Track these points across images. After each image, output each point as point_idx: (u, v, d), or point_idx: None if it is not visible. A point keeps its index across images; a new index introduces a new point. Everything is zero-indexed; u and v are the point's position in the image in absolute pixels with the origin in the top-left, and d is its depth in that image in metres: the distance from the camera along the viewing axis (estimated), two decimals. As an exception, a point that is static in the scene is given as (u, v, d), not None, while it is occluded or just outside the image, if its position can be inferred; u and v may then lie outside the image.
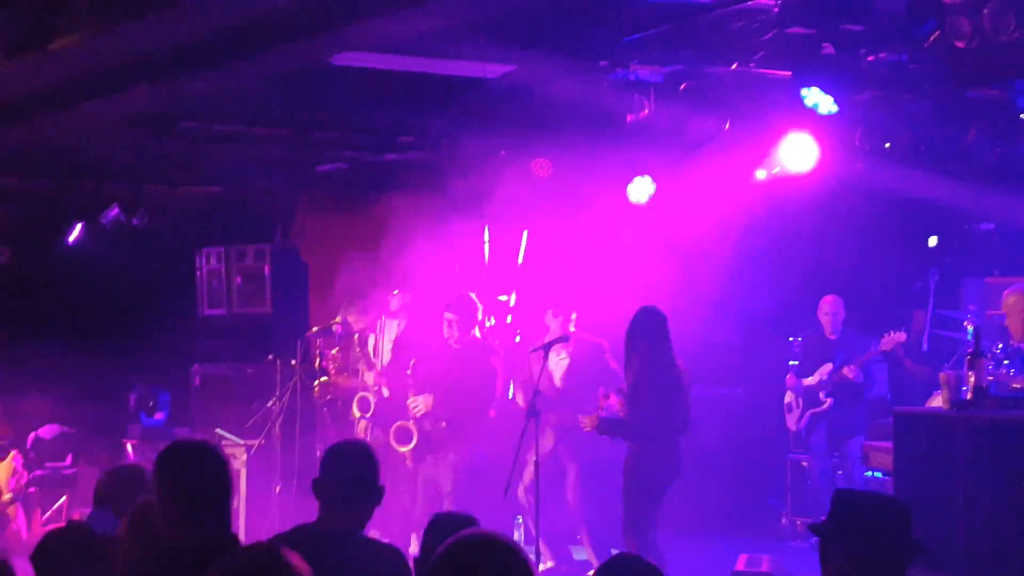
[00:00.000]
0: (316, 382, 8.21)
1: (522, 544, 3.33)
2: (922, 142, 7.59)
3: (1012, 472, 5.66)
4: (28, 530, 8.58)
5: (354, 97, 7.75)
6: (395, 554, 3.39)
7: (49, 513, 8.90)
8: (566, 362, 7.42)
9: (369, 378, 7.85)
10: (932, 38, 5.85)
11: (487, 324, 8.72)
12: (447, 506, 6.92)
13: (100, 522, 3.73)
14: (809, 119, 7.15)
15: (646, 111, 7.30)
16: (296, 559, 2.24)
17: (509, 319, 9.17)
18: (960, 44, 5.71)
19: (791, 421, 8.31)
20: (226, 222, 10.42)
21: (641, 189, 8.64)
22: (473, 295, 7.98)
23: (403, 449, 7.47)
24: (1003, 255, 8.59)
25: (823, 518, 2.91)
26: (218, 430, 8.25)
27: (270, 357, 8.51)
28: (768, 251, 8.62)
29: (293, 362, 8.24)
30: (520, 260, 9.64)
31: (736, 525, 8.44)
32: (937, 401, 6.63)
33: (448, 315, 7.39)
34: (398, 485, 7.12)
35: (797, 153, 7.69)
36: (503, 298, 9.33)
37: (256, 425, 8.24)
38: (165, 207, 10.31)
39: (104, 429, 9.39)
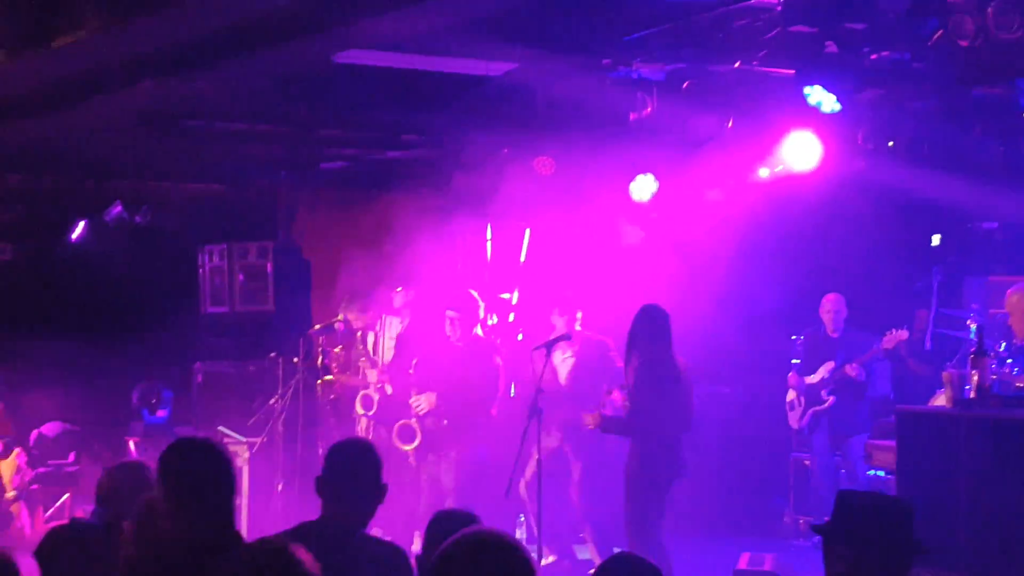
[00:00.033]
0: (320, 380, 8.22)
1: (524, 542, 3.33)
2: (925, 141, 7.58)
3: (1015, 471, 5.66)
4: (31, 527, 8.59)
5: (356, 95, 7.75)
6: (397, 552, 3.39)
7: (52, 510, 8.91)
8: (571, 361, 7.41)
9: (372, 376, 7.85)
10: (935, 37, 5.85)
11: (489, 322, 8.72)
12: (449, 504, 6.92)
13: (103, 519, 3.74)
14: (812, 118, 7.14)
15: (649, 109, 7.30)
16: (305, 555, 2.25)
17: (511, 317, 9.16)
18: (963, 43, 5.71)
19: (793, 419, 8.31)
20: (229, 219, 10.42)
21: (644, 187, 8.64)
22: (475, 293, 7.99)
23: (407, 448, 7.47)
24: (1006, 254, 8.58)
25: (826, 518, 2.91)
26: (220, 428, 8.25)
27: (272, 355, 8.51)
28: (771, 250, 8.61)
29: (295, 360, 8.25)
30: (522, 258, 9.64)
31: (738, 524, 8.43)
32: (940, 400, 6.63)
33: (450, 313, 7.39)
34: (401, 483, 7.12)
35: (800, 152, 7.69)
36: (505, 296, 9.33)
37: (258, 423, 8.25)
38: (168, 205, 10.31)
39: (107, 426, 9.40)
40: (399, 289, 8.00)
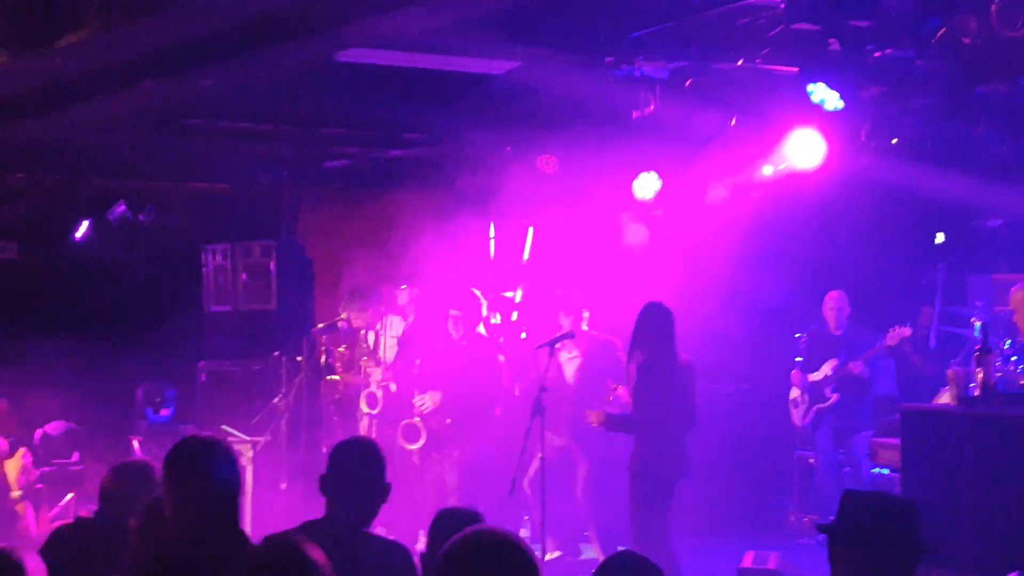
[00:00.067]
0: (324, 380, 8.22)
1: (528, 541, 3.32)
2: (929, 138, 7.57)
3: (1021, 468, 5.65)
4: (37, 526, 8.60)
5: (359, 93, 7.75)
6: (401, 551, 3.39)
7: (56, 510, 8.92)
8: (578, 360, 7.41)
9: (376, 374, 7.85)
10: (939, 34, 5.84)
11: (492, 321, 8.72)
12: (452, 502, 6.92)
13: (107, 519, 3.74)
14: (815, 115, 7.13)
15: (652, 107, 7.29)
16: (318, 554, 2.27)
17: (515, 316, 9.16)
18: (967, 40, 5.70)
19: (796, 417, 8.30)
20: (232, 218, 10.43)
21: (647, 185, 8.63)
22: (477, 291, 7.99)
23: (411, 447, 7.47)
24: (1010, 251, 8.57)
25: (831, 517, 2.90)
26: (224, 427, 8.25)
27: (276, 354, 8.51)
28: (774, 247, 8.60)
29: (299, 359, 8.25)
30: (526, 256, 9.63)
31: (743, 522, 8.42)
32: (945, 398, 6.63)
33: (453, 312, 7.39)
34: (405, 482, 7.12)
35: (803, 149, 7.68)
36: (509, 294, 9.33)
37: (262, 422, 8.25)
38: (171, 204, 10.32)
39: (110, 425, 9.40)
40: (403, 287, 8.00)
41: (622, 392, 6.21)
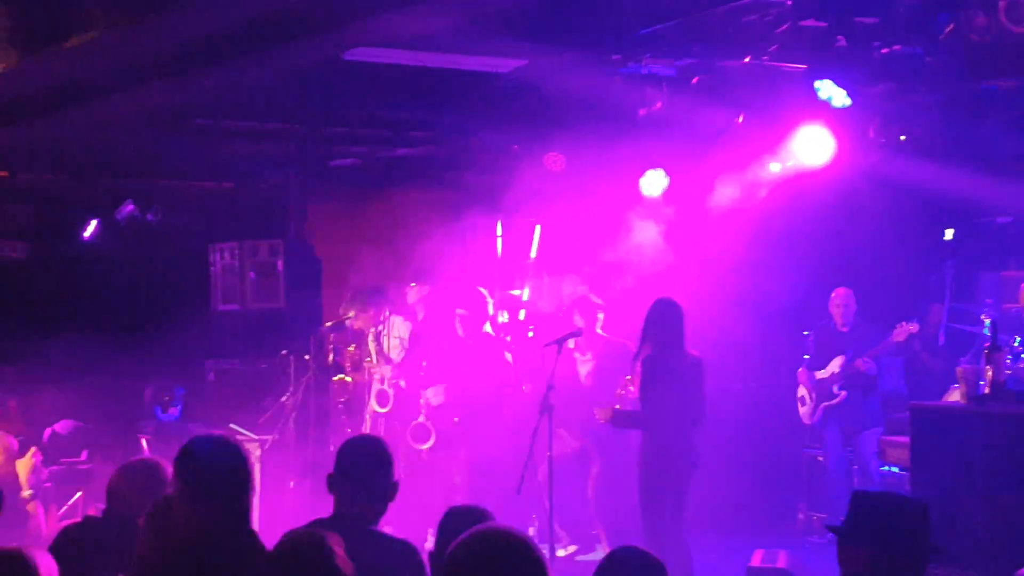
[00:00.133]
0: (334, 379, 8.22)
1: (536, 539, 3.32)
2: (937, 135, 7.55)
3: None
4: (46, 525, 8.62)
5: (366, 92, 7.76)
6: (409, 549, 3.39)
7: (65, 508, 8.94)
8: (591, 363, 7.40)
9: (386, 371, 7.86)
10: (947, 31, 5.82)
11: (500, 319, 8.72)
12: (460, 500, 6.92)
13: (115, 517, 3.74)
14: (823, 112, 7.12)
15: (659, 105, 7.29)
16: (339, 548, 2.31)
17: (522, 314, 9.16)
18: (975, 37, 5.68)
19: (804, 415, 8.28)
20: (239, 217, 10.44)
21: (654, 183, 8.62)
22: (483, 290, 7.98)
23: (421, 447, 7.48)
24: (1020, 248, 8.54)
25: (840, 516, 2.90)
26: (232, 425, 8.27)
27: (284, 352, 8.52)
28: (782, 245, 8.58)
29: (307, 357, 8.26)
30: (533, 254, 9.62)
31: (752, 520, 8.40)
32: (954, 396, 6.61)
33: (460, 311, 7.39)
34: (413, 480, 7.13)
35: (811, 146, 7.66)
36: (516, 292, 9.33)
37: (270, 420, 8.26)
38: (179, 203, 10.34)
39: (119, 424, 9.42)
40: (413, 285, 8.00)
41: (634, 387, 6.21)
